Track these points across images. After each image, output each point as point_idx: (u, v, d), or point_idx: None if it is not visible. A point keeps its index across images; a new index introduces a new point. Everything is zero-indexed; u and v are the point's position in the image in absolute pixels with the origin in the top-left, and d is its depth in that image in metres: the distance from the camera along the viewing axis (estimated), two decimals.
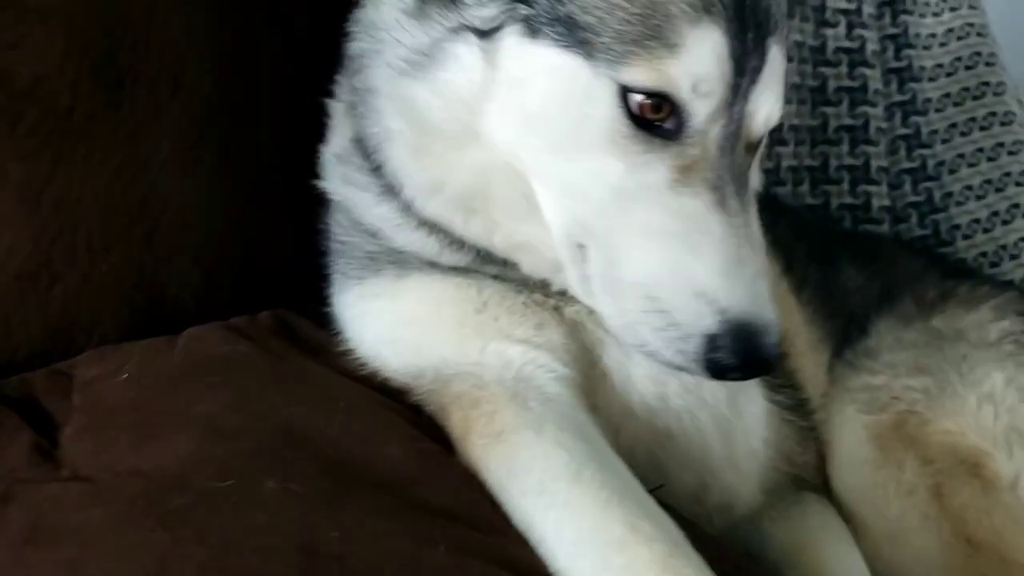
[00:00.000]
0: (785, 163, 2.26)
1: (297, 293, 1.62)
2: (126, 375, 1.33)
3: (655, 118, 1.15)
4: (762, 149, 1.37)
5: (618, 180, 1.18)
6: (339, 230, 1.50)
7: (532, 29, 1.18)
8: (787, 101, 2.19)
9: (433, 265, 1.41)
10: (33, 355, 1.43)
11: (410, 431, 1.26)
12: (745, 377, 1.19)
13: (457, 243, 1.39)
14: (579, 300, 1.36)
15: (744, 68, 1.16)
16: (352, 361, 1.42)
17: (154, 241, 1.50)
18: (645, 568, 1.04)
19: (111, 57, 1.40)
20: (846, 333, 1.78)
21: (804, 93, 2.29)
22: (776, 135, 2.24)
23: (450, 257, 1.40)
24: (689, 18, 1.13)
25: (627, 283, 1.19)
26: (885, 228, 2.30)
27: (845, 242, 1.96)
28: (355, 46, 1.39)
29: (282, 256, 1.66)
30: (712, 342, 1.13)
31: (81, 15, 1.37)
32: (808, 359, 1.70)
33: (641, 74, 1.13)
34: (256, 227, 1.63)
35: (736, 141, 1.19)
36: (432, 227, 1.38)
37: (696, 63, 1.13)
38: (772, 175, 2.25)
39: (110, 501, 1.08)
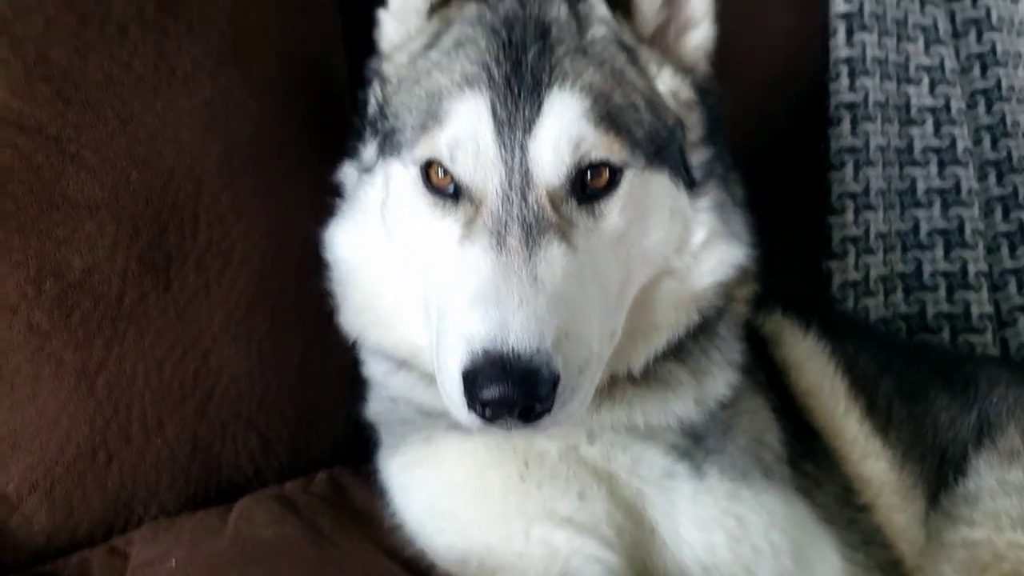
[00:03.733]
0: (875, 272, 2.14)
1: (354, 443, 1.63)
2: (174, 561, 1.33)
3: (441, 184, 1.29)
4: (619, 203, 1.29)
5: (429, 247, 1.31)
6: (371, 398, 1.56)
7: (383, 151, 1.41)
8: (870, 207, 2.14)
9: (448, 421, 1.38)
10: (94, 530, 1.46)
11: None
12: (506, 409, 1.13)
13: (426, 376, 1.41)
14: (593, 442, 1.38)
15: (514, 122, 1.25)
16: (399, 538, 1.40)
17: (208, 412, 1.51)
18: None
19: (159, 241, 1.43)
20: (940, 475, 1.64)
21: (892, 197, 2.17)
22: (863, 243, 2.14)
23: (433, 394, 1.37)
24: (454, 94, 1.30)
25: (439, 351, 1.22)
26: (988, 337, 2.14)
27: (938, 367, 1.81)
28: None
29: (337, 410, 1.66)
30: (467, 380, 1.13)
31: (129, 205, 1.41)
32: (898, 511, 1.57)
33: (421, 149, 1.31)
34: (310, 386, 1.63)
35: (526, 189, 1.25)
36: (401, 364, 1.46)
37: (453, 129, 1.28)
38: (862, 285, 2.14)
39: None
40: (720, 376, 1.46)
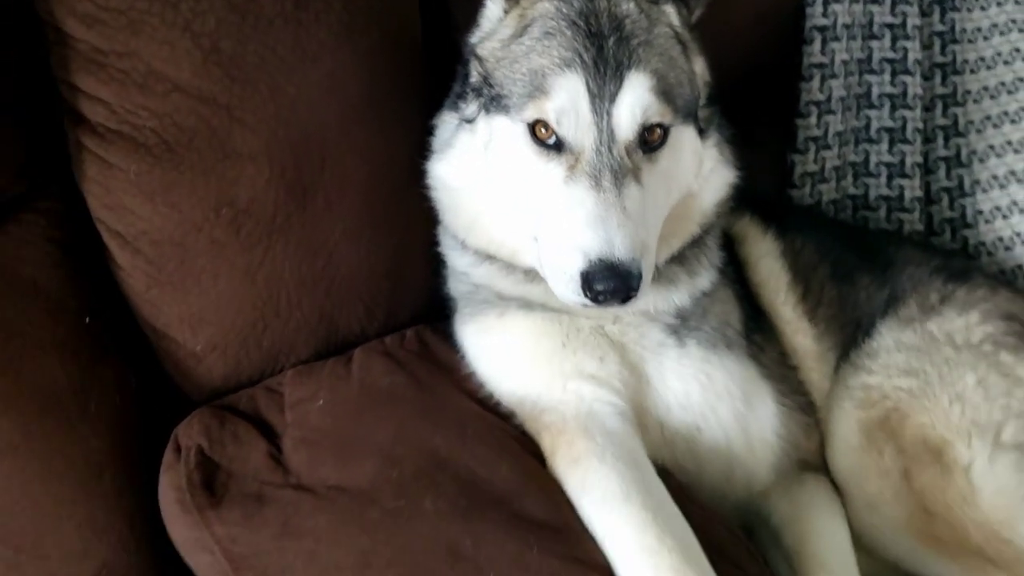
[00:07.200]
0: (830, 164, 2.63)
1: (430, 310, 2.20)
2: (321, 401, 1.91)
3: (544, 136, 1.74)
4: (667, 152, 1.79)
5: (537, 184, 1.75)
6: (452, 280, 2.09)
7: (487, 109, 1.83)
8: (831, 111, 2.60)
9: (518, 302, 1.95)
10: (253, 375, 2.03)
11: (516, 449, 1.80)
12: (615, 296, 1.62)
13: (506, 267, 1.95)
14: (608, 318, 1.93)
15: (603, 95, 1.70)
16: (473, 382, 1.97)
17: (331, 292, 2.03)
18: (667, 569, 1.59)
19: (298, 177, 1.90)
20: (854, 339, 2.17)
21: (850, 101, 2.62)
22: (823, 141, 2.62)
23: (511, 282, 1.95)
24: (556, 72, 1.72)
25: (550, 255, 1.71)
26: (916, 215, 2.65)
27: (865, 252, 2.32)
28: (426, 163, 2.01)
29: (420, 287, 2.20)
30: (585, 277, 1.63)
31: (278, 154, 1.87)
32: (816, 371, 2.15)
33: (530, 112, 1.75)
34: (401, 269, 2.15)
35: (612, 144, 1.70)
36: (485, 259, 1.97)
37: (558, 100, 1.71)
38: (819, 175, 2.63)
39: (328, 511, 1.66)
40: (705, 275, 2.01)
